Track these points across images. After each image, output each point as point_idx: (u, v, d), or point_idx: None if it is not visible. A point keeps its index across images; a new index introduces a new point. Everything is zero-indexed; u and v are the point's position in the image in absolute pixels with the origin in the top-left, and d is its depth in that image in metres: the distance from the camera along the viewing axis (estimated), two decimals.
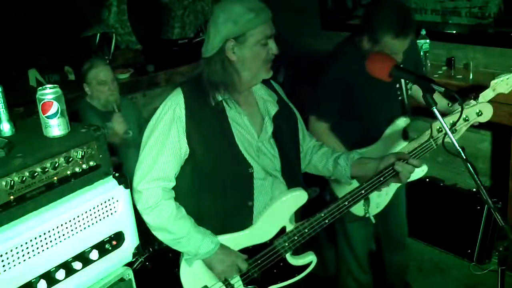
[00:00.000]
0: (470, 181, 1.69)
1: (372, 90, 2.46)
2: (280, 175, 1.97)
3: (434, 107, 1.68)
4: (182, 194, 1.90)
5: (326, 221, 1.94)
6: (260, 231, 1.93)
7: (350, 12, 4.69)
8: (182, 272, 1.95)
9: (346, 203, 1.95)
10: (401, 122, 2.60)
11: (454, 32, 3.92)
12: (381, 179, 1.94)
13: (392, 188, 2.63)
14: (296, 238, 1.94)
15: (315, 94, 2.62)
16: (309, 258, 2.03)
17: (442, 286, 3.48)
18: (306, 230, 1.94)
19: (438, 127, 2.30)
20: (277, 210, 1.93)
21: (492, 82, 2.48)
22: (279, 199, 1.93)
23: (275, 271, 1.98)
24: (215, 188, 1.89)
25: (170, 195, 1.87)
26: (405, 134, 2.63)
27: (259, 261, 1.94)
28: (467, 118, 2.29)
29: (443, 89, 1.69)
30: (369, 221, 2.73)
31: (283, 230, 1.95)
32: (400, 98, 2.66)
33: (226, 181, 1.88)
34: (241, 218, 1.93)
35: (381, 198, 2.63)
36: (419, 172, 2.51)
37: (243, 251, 1.94)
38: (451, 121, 2.25)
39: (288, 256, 1.99)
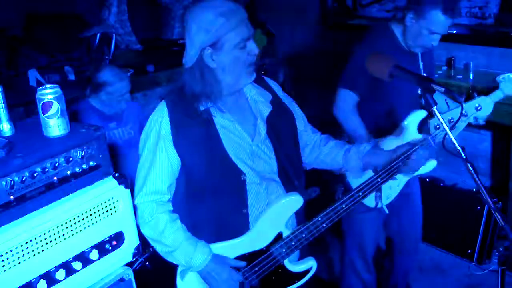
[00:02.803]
0: (470, 181, 1.69)
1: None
2: (277, 177, 1.94)
3: (435, 107, 1.68)
4: (177, 203, 1.91)
5: (324, 225, 1.90)
6: (256, 238, 1.91)
7: (350, 12, 4.69)
8: (179, 285, 1.95)
9: (344, 206, 1.91)
10: (418, 115, 2.62)
11: (454, 32, 3.92)
12: (379, 179, 1.93)
13: (403, 180, 2.61)
14: (293, 243, 1.91)
15: (347, 69, 2.66)
16: (309, 264, 2.00)
17: (442, 286, 3.48)
18: (304, 235, 1.90)
19: (435, 124, 2.26)
20: (272, 216, 1.90)
21: (502, 84, 2.46)
22: (273, 204, 1.89)
23: (274, 278, 1.96)
24: (208, 197, 1.87)
25: (165, 208, 1.87)
26: (420, 127, 2.64)
27: (256, 268, 1.92)
28: (465, 113, 2.25)
29: (443, 89, 1.69)
30: (379, 217, 2.73)
31: (279, 235, 1.92)
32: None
33: (218, 189, 1.86)
34: (237, 225, 1.90)
35: (392, 191, 2.63)
36: (429, 166, 2.47)
37: (240, 258, 1.92)
38: (449, 117, 2.23)
39: (286, 262, 1.95)
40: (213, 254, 1.88)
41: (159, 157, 1.83)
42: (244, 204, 1.88)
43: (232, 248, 1.91)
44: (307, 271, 2.00)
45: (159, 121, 1.83)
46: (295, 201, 1.91)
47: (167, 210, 1.87)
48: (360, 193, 1.92)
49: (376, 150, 2.01)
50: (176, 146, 1.81)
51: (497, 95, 2.47)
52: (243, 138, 1.87)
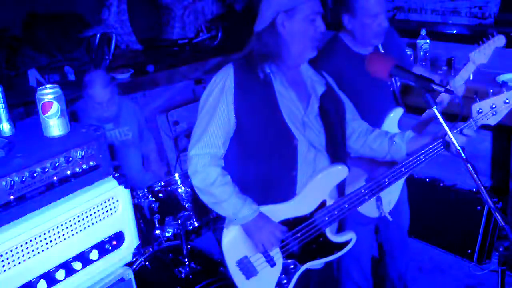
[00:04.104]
0: (470, 181, 1.70)
1: (363, 84, 2.47)
2: (324, 150, 2.01)
3: (435, 107, 1.68)
4: (228, 163, 1.97)
5: (366, 197, 1.98)
6: (301, 204, 1.96)
7: None
8: (224, 241, 1.97)
9: (386, 179, 1.99)
10: (396, 113, 2.62)
11: (454, 32, 3.92)
12: (421, 157, 1.97)
13: (400, 183, 2.63)
14: (336, 212, 1.98)
15: None
16: (349, 236, 2.05)
17: (442, 286, 3.48)
18: (346, 205, 1.98)
19: (478, 109, 2.16)
20: (318, 183, 1.96)
21: (471, 55, 2.58)
22: (321, 172, 1.96)
23: (314, 246, 2.00)
24: (260, 158, 1.95)
25: (218, 162, 1.94)
26: (399, 125, 2.65)
27: (298, 234, 1.97)
28: (507, 101, 2.21)
29: (443, 88, 1.69)
30: (372, 228, 2.73)
31: (323, 204, 1.98)
32: (391, 88, 2.68)
33: (271, 151, 1.94)
34: (285, 187, 1.97)
35: (392, 195, 2.63)
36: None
37: (283, 223, 1.97)
38: (492, 103, 2.18)
39: (328, 232, 2.01)
40: (260, 211, 1.94)
41: (220, 112, 1.91)
42: (293, 166, 1.95)
43: (277, 212, 1.96)
44: (346, 243, 2.05)
45: (224, 79, 1.92)
46: (341, 171, 1.98)
47: (219, 165, 1.94)
48: (403, 169, 1.99)
49: (419, 137, 2.08)
50: (236, 104, 1.90)
51: (470, 68, 2.56)
52: (297, 107, 1.97)
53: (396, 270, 3.10)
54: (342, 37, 2.59)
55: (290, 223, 1.97)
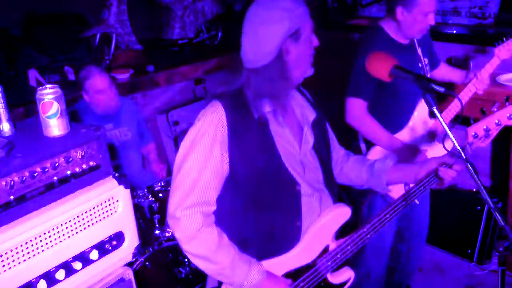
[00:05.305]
0: (470, 181, 1.69)
1: None
2: (324, 188, 1.85)
3: (434, 107, 1.68)
4: (223, 217, 1.73)
5: (369, 235, 1.83)
6: (303, 253, 1.82)
7: (350, 12, 4.69)
8: None
9: (388, 216, 1.86)
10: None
11: (454, 32, 3.92)
12: (422, 188, 1.89)
13: None
14: (338, 256, 1.83)
15: (351, 78, 2.69)
16: (347, 274, 1.91)
17: (442, 286, 3.48)
18: (349, 248, 1.83)
19: (473, 133, 2.20)
20: (321, 229, 1.82)
21: (496, 50, 2.68)
22: (323, 217, 1.81)
23: None
24: (260, 210, 1.73)
25: (211, 220, 1.68)
26: (430, 112, 2.68)
27: (302, 284, 1.81)
28: (499, 123, 2.24)
29: (443, 88, 1.69)
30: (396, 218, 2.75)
31: (326, 249, 1.85)
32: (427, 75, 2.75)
33: (271, 201, 1.72)
34: (288, 239, 1.78)
35: None
36: None
37: (286, 275, 1.81)
38: (485, 126, 2.21)
39: (328, 276, 1.86)
40: (266, 271, 1.74)
41: (213, 162, 1.63)
42: (298, 216, 1.76)
43: (280, 264, 1.80)
44: (346, 282, 1.92)
45: (215, 124, 1.63)
46: (344, 212, 1.85)
47: (212, 223, 1.68)
48: (404, 202, 1.89)
49: (400, 165, 1.97)
50: (231, 152, 1.64)
51: (494, 62, 2.65)
52: (293, 147, 1.75)
53: (409, 264, 3.09)
54: (384, 26, 2.68)
55: (293, 275, 1.80)
